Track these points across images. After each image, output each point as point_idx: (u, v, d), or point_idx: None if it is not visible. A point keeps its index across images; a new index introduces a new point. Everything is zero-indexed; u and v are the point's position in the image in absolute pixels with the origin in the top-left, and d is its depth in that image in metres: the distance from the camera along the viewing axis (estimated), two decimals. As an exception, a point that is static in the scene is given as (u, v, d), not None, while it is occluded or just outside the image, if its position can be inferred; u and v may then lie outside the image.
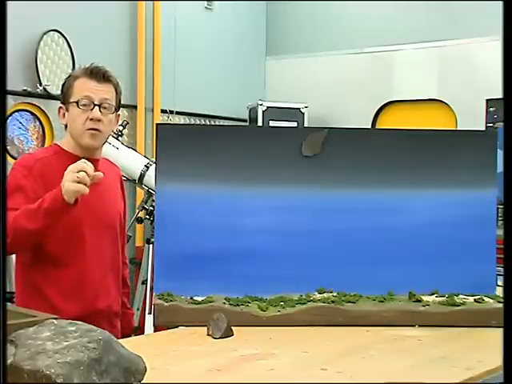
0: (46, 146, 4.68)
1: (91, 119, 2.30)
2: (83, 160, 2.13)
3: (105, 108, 2.33)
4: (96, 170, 2.33)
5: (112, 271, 2.45)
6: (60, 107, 2.37)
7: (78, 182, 2.07)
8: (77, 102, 2.30)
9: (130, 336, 2.57)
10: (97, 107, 2.30)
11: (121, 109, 2.48)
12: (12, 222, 2.11)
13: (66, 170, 2.26)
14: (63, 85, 2.38)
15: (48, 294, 2.26)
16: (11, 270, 3.79)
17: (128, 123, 4.52)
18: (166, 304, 2.15)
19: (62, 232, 2.25)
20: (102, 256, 2.38)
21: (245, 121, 5.92)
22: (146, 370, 1.40)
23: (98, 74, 2.32)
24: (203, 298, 2.20)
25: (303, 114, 5.73)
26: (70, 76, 2.38)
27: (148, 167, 4.09)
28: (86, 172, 2.07)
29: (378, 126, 5.83)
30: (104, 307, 2.37)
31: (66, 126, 2.39)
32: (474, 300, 2.27)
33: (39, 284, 2.28)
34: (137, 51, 5.35)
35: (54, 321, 1.38)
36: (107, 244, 2.41)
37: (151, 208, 4.31)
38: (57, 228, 2.21)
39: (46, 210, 2.11)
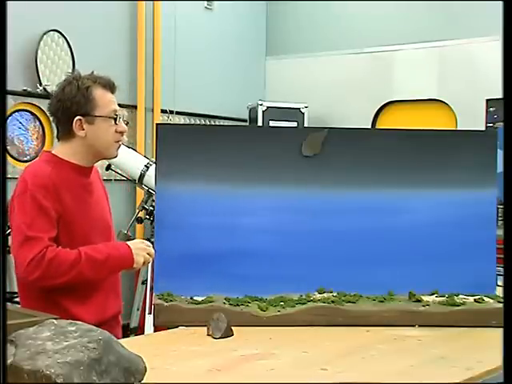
0: (46, 145, 4.68)
1: (120, 132, 2.34)
2: (149, 244, 2.35)
3: (123, 118, 2.38)
4: (91, 176, 2.38)
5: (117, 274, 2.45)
6: (78, 119, 2.25)
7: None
8: (109, 117, 2.30)
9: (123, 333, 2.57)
10: (121, 120, 2.35)
11: (121, 109, 2.46)
12: (71, 264, 2.15)
13: (69, 180, 2.27)
14: (73, 96, 2.25)
15: (65, 304, 2.23)
16: (11, 271, 3.79)
17: (128, 123, 4.51)
18: (165, 304, 2.15)
19: (75, 242, 2.24)
20: None
21: (245, 121, 5.92)
22: (145, 370, 1.40)
23: (113, 87, 2.35)
24: (203, 298, 2.20)
25: (303, 114, 5.73)
26: (87, 87, 2.26)
27: (148, 167, 4.09)
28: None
29: (378, 126, 5.83)
30: (116, 311, 2.40)
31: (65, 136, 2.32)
32: (474, 300, 2.27)
33: (53, 293, 2.23)
34: (137, 51, 5.35)
35: (54, 321, 1.38)
36: None
37: (151, 208, 4.31)
38: (70, 239, 2.23)
39: (113, 267, 2.28)
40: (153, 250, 2.31)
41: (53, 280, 2.15)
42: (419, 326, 2.19)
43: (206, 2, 5.94)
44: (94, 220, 2.33)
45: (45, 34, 4.65)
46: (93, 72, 2.35)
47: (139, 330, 4.36)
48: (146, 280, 4.39)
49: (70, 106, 2.25)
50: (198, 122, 5.79)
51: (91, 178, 2.38)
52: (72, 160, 2.31)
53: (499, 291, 2.28)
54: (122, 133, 2.35)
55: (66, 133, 2.29)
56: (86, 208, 2.30)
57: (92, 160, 2.35)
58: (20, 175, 2.28)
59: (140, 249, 2.30)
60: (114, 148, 2.36)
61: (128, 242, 2.32)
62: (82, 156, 2.32)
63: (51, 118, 2.39)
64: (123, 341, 1.60)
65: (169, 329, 2.16)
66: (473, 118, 5.19)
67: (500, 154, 1.95)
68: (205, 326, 2.03)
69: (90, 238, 2.27)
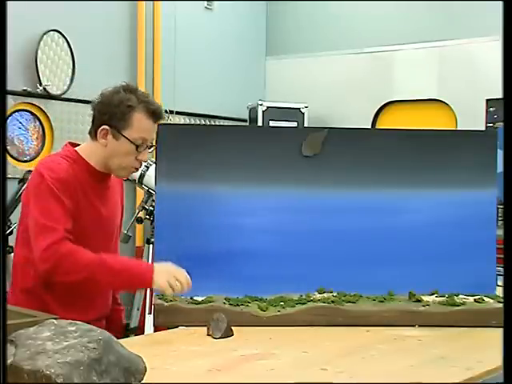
0: (45, 145, 4.68)
1: (139, 160, 2.25)
2: (186, 277, 2.11)
3: (151, 147, 2.29)
4: (109, 181, 2.35)
5: None
6: (105, 129, 2.23)
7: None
8: (133, 142, 2.21)
9: (120, 332, 2.55)
10: (147, 149, 2.26)
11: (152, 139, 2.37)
12: (85, 264, 2.09)
13: (81, 180, 2.23)
14: (114, 107, 2.23)
15: (46, 300, 2.21)
16: (11, 270, 3.79)
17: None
18: (165, 304, 2.15)
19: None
20: None
21: (245, 121, 5.91)
22: (146, 370, 1.40)
23: (159, 116, 2.26)
24: (203, 298, 2.20)
25: (303, 113, 5.73)
26: (129, 105, 2.22)
27: (148, 167, 4.08)
28: (185, 286, 2.10)
29: (378, 126, 5.83)
30: (101, 315, 2.35)
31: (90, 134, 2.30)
32: (474, 300, 2.27)
33: (40, 291, 2.23)
34: (137, 51, 5.35)
35: (54, 321, 1.38)
36: (108, 252, 2.38)
37: (151, 208, 4.30)
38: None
39: (127, 280, 2.13)
40: (184, 276, 2.10)
41: (63, 276, 2.11)
42: (419, 325, 2.19)
43: (205, 2, 5.93)
44: (98, 225, 2.29)
45: (45, 34, 4.64)
46: (148, 95, 2.28)
47: (139, 330, 4.35)
48: (146, 280, 4.38)
49: (105, 112, 2.24)
50: (198, 122, 5.79)
51: (108, 183, 2.35)
52: (89, 160, 2.29)
53: (499, 291, 2.29)
54: (140, 161, 2.27)
55: (93, 133, 2.28)
56: (92, 211, 2.27)
57: (106, 168, 2.30)
58: (36, 167, 2.26)
59: (166, 271, 2.10)
60: (126, 172, 2.30)
61: (157, 264, 2.15)
62: (97, 160, 2.28)
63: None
64: (123, 341, 1.60)
65: (169, 329, 2.16)
66: (473, 118, 5.19)
67: (500, 154, 1.95)
68: (205, 325, 2.03)
69: (88, 241, 2.23)
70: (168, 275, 2.09)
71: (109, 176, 2.35)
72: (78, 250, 2.12)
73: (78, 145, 2.36)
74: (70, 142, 2.37)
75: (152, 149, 2.31)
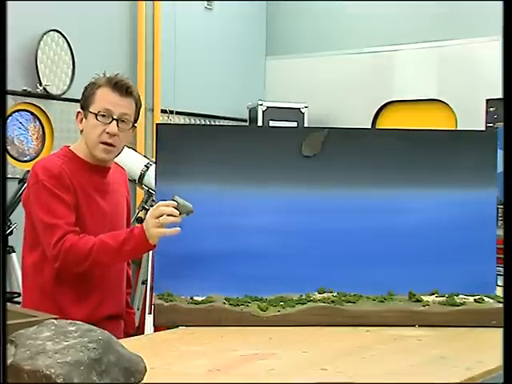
0: (45, 145, 4.68)
1: (107, 133, 2.27)
2: (162, 203, 2.14)
3: (123, 122, 2.29)
4: (107, 177, 2.38)
5: (120, 275, 2.44)
6: (78, 112, 2.33)
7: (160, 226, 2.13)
8: (96, 114, 2.27)
9: (133, 335, 2.56)
10: (115, 121, 2.27)
11: (125, 113, 2.40)
12: (86, 255, 2.15)
13: (78, 176, 2.28)
14: (85, 90, 2.34)
15: (59, 298, 2.25)
16: (11, 270, 3.79)
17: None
18: (165, 304, 2.15)
19: None
20: None
21: (245, 121, 5.92)
22: (146, 370, 1.40)
23: (122, 88, 2.28)
24: (203, 298, 2.20)
25: (303, 113, 5.73)
26: (93, 83, 2.31)
27: (148, 167, 4.09)
28: (166, 214, 2.12)
29: (378, 126, 5.83)
30: (112, 312, 2.38)
31: (81, 131, 2.36)
32: (474, 300, 2.27)
33: (51, 288, 2.26)
34: (137, 51, 5.35)
35: (54, 321, 1.38)
36: None
37: (151, 208, 4.31)
38: None
39: (129, 251, 2.19)
40: (166, 209, 2.12)
41: (73, 268, 2.20)
42: (419, 325, 2.19)
43: (205, 2, 5.93)
44: (101, 221, 2.32)
45: (45, 34, 4.64)
46: (117, 74, 2.33)
47: (139, 330, 4.35)
48: (146, 280, 4.38)
49: (80, 99, 2.35)
50: (198, 122, 5.79)
51: (108, 178, 2.38)
52: (81, 155, 2.33)
53: (499, 291, 2.28)
54: (110, 135, 2.27)
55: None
56: (94, 207, 2.30)
57: (95, 159, 2.33)
58: (32, 168, 2.32)
59: (150, 219, 2.15)
60: (99, 149, 2.29)
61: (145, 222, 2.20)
62: (86, 152, 2.33)
63: None
64: (123, 341, 1.60)
65: (169, 329, 2.16)
66: (473, 118, 5.19)
67: (500, 153, 1.95)
68: (205, 326, 2.03)
69: (92, 235, 2.26)
70: (152, 222, 2.13)
71: (106, 170, 2.37)
72: (78, 240, 2.17)
73: None
74: (66, 146, 2.42)
75: (131, 128, 2.34)
